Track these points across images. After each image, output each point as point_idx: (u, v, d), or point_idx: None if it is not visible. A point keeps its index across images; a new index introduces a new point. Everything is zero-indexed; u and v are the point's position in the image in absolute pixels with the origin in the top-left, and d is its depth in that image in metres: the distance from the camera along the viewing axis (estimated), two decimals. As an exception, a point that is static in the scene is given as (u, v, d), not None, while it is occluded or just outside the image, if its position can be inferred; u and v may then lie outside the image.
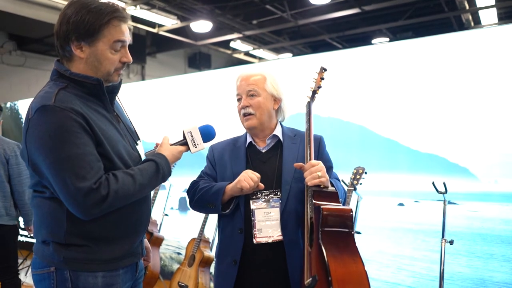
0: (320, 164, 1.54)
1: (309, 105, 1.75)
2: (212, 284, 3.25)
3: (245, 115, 1.72)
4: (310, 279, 1.42)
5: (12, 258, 3.25)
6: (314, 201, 1.50)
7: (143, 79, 9.30)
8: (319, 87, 1.76)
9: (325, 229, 1.42)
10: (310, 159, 1.59)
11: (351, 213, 1.47)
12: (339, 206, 1.48)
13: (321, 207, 1.44)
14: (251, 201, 1.66)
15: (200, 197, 1.70)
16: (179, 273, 3.29)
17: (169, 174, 1.50)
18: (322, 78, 1.76)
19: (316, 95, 1.77)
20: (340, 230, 1.43)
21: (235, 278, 1.65)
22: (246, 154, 1.74)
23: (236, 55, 10.16)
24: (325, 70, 1.76)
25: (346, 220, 1.45)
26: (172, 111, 4.37)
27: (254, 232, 1.64)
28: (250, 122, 1.71)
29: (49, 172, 1.30)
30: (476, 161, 2.79)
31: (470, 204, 2.78)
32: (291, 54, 10.26)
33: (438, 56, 2.92)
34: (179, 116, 4.30)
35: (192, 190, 1.75)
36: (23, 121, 5.84)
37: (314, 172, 1.51)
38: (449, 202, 2.54)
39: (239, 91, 1.75)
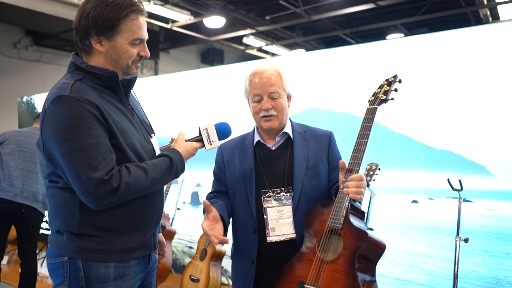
0: (365, 181, 1.50)
1: (372, 111, 1.59)
2: (223, 278, 3.26)
3: (265, 116, 1.65)
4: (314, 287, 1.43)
5: (35, 242, 3.44)
6: (351, 220, 1.48)
7: (156, 74, 9.35)
8: (392, 99, 1.61)
9: (360, 257, 1.42)
10: (352, 170, 1.51)
11: (384, 249, 1.49)
12: (380, 240, 1.48)
13: (368, 236, 1.43)
14: (262, 200, 1.64)
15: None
16: (191, 266, 3.31)
17: (183, 171, 1.51)
18: (396, 90, 1.62)
19: (383, 104, 1.61)
20: (370, 262, 1.45)
21: (253, 280, 1.65)
22: (254, 152, 1.71)
23: (249, 51, 10.14)
24: (400, 81, 1.62)
25: (379, 255, 1.48)
26: (184, 106, 4.39)
27: (267, 231, 1.63)
28: (271, 123, 1.65)
29: (62, 162, 1.32)
30: (493, 158, 2.73)
31: (486, 202, 2.73)
32: (304, 50, 10.20)
33: (454, 51, 2.87)
34: (191, 111, 4.31)
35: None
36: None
37: (360, 187, 1.46)
38: (464, 200, 2.50)
39: (260, 92, 1.64)
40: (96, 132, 1.31)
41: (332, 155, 1.70)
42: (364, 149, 1.52)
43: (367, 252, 1.43)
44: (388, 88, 1.61)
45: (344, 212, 1.47)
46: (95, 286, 1.38)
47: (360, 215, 1.55)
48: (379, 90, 1.63)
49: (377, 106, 1.59)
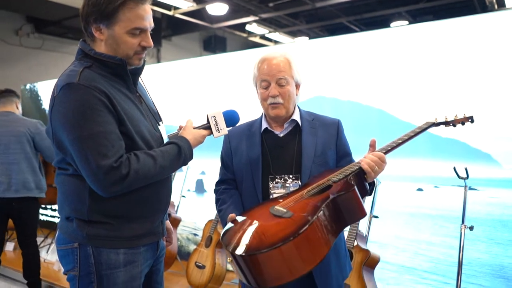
0: (384, 165, 1.48)
1: (430, 126, 1.63)
2: (229, 265, 3.29)
3: (272, 103, 1.63)
4: (285, 210, 1.40)
5: (34, 233, 3.42)
6: (351, 178, 1.45)
7: (158, 61, 9.30)
8: (453, 125, 1.64)
9: (337, 203, 1.37)
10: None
11: (363, 216, 1.43)
12: (362, 203, 1.42)
13: (354, 191, 1.39)
14: (270, 187, 1.64)
15: (220, 216, 1.71)
16: (196, 253, 3.34)
17: (191, 158, 1.51)
18: (463, 123, 1.63)
19: (442, 126, 1.66)
20: (343, 216, 1.39)
21: None
22: (261, 139, 1.70)
23: (252, 39, 10.07)
24: (472, 121, 1.63)
25: (355, 216, 1.42)
26: (187, 94, 4.37)
27: None
28: (278, 111, 1.64)
29: (72, 149, 1.32)
30: (499, 147, 2.72)
31: (492, 191, 2.73)
32: (307, 38, 10.11)
33: (459, 39, 2.84)
34: (194, 99, 4.30)
35: (216, 199, 1.77)
36: (42, 103, 5.94)
37: (375, 163, 1.45)
38: (470, 188, 2.50)
39: (268, 77, 1.62)
40: (106, 119, 1.31)
41: (340, 143, 1.69)
42: (401, 143, 1.55)
43: (345, 204, 1.38)
44: (460, 122, 1.63)
45: (347, 173, 1.46)
46: (105, 272, 1.39)
47: (362, 191, 1.48)
48: (450, 120, 1.65)
49: (437, 125, 1.64)
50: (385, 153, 1.51)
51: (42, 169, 3.43)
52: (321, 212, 1.32)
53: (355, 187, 1.41)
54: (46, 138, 3.24)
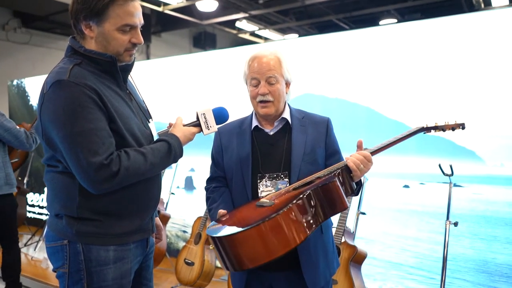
0: (370, 164, 1.51)
1: (419, 130, 1.67)
2: (218, 262, 3.31)
3: (261, 101, 1.64)
4: (269, 201, 1.45)
5: (14, 232, 3.24)
6: (336, 174, 1.47)
7: (148, 58, 9.24)
8: (443, 130, 1.67)
9: (318, 193, 1.39)
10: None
11: (344, 207, 1.44)
12: (343, 195, 1.44)
13: (334, 182, 1.41)
14: (259, 184, 1.65)
15: (210, 215, 1.72)
16: (185, 250, 3.35)
17: (181, 155, 1.52)
18: (453, 129, 1.65)
19: (432, 131, 1.69)
20: (324, 206, 1.40)
21: None
22: (251, 137, 1.71)
23: (242, 35, 10.05)
24: (463, 128, 1.65)
25: (336, 208, 1.42)
26: (176, 91, 4.37)
27: None
28: (267, 110, 1.65)
29: (62, 146, 1.32)
30: (482, 144, 2.78)
31: (476, 187, 2.80)
32: (297, 35, 10.13)
33: (446, 38, 2.89)
34: (183, 96, 4.30)
35: (206, 197, 1.78)
36: (29, 99, 5.86)
37: (360, 162, 1.48)
38: (455, 185, 2.55)
39: (258, 76, 1.63)
40: (96, 117, 1.31)
41: (330, 141, 1.71)
42: (389, 146, 1.59)
43: (326, 195, 1.40)
44: (450, 128, 1.66)
45: (332, 170, 1.49)
46: (95, 269, 1.40)
47: (346, 187, 1.49)
48: (441, 126, 1.67)
49: (427, 129, 1.67)
50: (372, 153, 1.54)
51: (9, 162, 3.21)
52: (300, 200, 1.35)
53: (336, 178, 1.43)
54: (8, 127, 3.00)
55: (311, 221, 1.37)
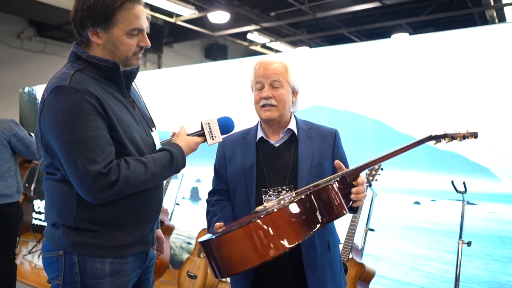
0: (364, 185, 1.44)
1: (427, 139, 1.56)
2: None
3: (265, 105, 1.60)
4: (263, 207, 1.40)
5: (13, 242, 3.15)
6: (335, 181, 1.40)
7: (159, 68, 9.31)
8: (453, 138, 1.54)
9: (316, 196, 1.33)
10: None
11: (342, 213, 1.38)
12: (341, 200, 1.38)
13: (332, 186, 1.36)
14: (263, 199, 1.59)
15: (209, 226, 1.69)
16: (188, 262, 3.29)
17: (183, 166, 1.47)
18: (465, 137, 1.55)
19: (443, 141, 1.57)
20: (321, 210, 1.34)
21: (251, 278, 1.60)
22: (256, 148, 1.66)
23: (253, 47, 10.09)
24: (476, 137, 1.54)
25: (333, 213, 1.36)
26: (187, 101, 4.36)
27: None
28: (270, 113, 1.60)
29: (60, 153, 1.29)
30: (498, 161, 2.69)
31: (490, 205, 2.70)
32: (308, 47, 10.14)
33: (459, 51, 2.83)
34: (194, 105, 4.28)
35: (206, 210, 1.75)
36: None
37: (362, 192, 1.41)
38: (468, 203, 2.46)
39: (262, 79, 1.61)
40: (96, 124, 1.28)
41: (337, 154, 1.66)
42: (395, 154, 1.50)
43: (323, 199, 1.34)
44: (461, 137, 1.55)
45: (332, 177, 1.43)
46: (90, 282, 1.35)
47: (346, 198, 1.42)
48: (451, 134, 1.56)
49: (436, 137, 1.55)
50: (379, 161, 1.47)
51: (19, 170, 3.21)
52: (295, 204, 1.30)
53: (335, 182, 1.37)
54: (22, 137, 3.03)
55: (309, 226, 1.31)
